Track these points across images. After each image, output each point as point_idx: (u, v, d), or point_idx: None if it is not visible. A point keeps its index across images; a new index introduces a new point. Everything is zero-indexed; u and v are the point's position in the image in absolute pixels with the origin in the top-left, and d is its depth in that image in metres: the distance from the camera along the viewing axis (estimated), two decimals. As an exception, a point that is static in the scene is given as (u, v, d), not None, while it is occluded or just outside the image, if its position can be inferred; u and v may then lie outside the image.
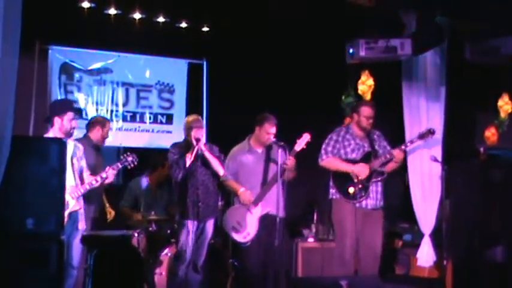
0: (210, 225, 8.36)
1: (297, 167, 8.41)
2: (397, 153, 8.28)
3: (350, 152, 8.23)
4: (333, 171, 8.26)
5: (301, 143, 8.08)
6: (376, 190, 8.23)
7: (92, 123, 8.80)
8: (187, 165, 8.11)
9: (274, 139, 8.25)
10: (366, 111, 8.33)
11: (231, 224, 8.39)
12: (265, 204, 8.24)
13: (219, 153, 8.43)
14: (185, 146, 8.29)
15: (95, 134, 8.66)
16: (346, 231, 8.11)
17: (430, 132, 8.36)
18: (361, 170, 8.09)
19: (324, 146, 8.27)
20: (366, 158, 8.20)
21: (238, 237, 8.31)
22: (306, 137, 8.11)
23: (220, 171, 8.28)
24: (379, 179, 8.24)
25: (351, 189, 8.09)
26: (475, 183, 8.66)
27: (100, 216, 8.78)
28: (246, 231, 8.29)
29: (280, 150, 8.00)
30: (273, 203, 8.02)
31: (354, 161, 8.19)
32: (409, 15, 8.48)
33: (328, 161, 8.24)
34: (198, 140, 8.05)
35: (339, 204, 8.20)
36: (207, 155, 8.16)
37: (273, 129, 8.32)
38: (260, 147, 8.46)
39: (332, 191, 8.30)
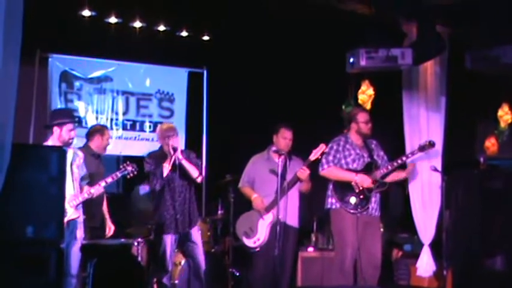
0: (195, 232, 8.29)
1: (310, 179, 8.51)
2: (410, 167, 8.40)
3: (351, 162, 8.21)
4: (333, 180, 8.23)
5: (316, 153, 8.20)
6: (375, 200, 8.22)
7: (91, 132, 8.77)
8: (165, 175, 8.07)
9: (274, 147, 8.33)
10: (363, 116, 8.34)
11: (243, 228, 8.55)
12: (277, 212, 8.28)
13: (196, 159, 8.41)
14: (160, 154, 8.24)
15: (95, 143, 8.63)
16: (347, 241, 8.07)
17: (430, 144, 8.35)
18: (363, 180, 8.06)
19: (324, 156, 8.25)
20: (367, 169, 8.19)
21: (248, 242, 8.47)
22: (321, 147, 8.21)
23: (198, 178, 8.25)
24: (381, 189, 8.23)
25: (353, 199, 8.07)
26: (475, 193, 8.67)
27: (102, 225, 8.77)
28: (256, 236, 8.41)
29: (290, 162, 8.15)
30: (285, 211, 8.10)
31: (355, 171, 8.17)
32: (409, 25, 8.50)
33: (330, 170, 8.21)
34: (175, 150, 7.98)
35: (339, 214, 8.15)
36: (185, 163, 8.05)
37: (289, 134, 8.54)
38: (278, 156, 8.52)
39: (331, 200, 8.23)
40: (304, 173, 8.32)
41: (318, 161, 8.27)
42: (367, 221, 8.13)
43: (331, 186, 8.23)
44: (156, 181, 8.11)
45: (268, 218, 8.45)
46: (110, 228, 8.78)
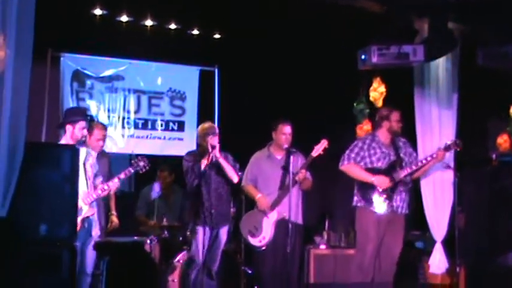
0: (223, 232, 8.34)
1: (312, 176, 8.48)
2: (440, 154, 8.31)
3: (376, 160, 8.20)
4: (354, 178, 8.24)
5: (318, 149, 8.19)
6: (400, 198, 8.21)
7: None
8: (202, 169, 8.12)
9: (286, 145, 8.32)
10: (396, 115, 8.32)
11: (247, 227, 8.50)
12: (281, 210, 8.29)
13: (233, 162, 8.41)
14: (199, 153, 8.29)
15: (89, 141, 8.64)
16: (369, 239, 8.09)
17: (456, 144, 8.35)
18: (381, 182, 8.06)
19: (347, 152, 8.26)
20: (391, 167, 8.17)
21: (254, 241, 8.42)
22: (323, 143, 8.20)
23: (235, 178, 8.28)
24: (404, 189, 8.22)
25: (376, 198, 8.08)
26: (487, 190, 8.65)
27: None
28: (262, 235, 8.39)
29: (293, 157, 8.11)
30: (290, 209, 8.09)
31: (379, 170, 8.15)
32: (421, 21, 8.47)
33: (349, 167, 8.22)
34: (213, 147, 8.04)
35: (363, 212, 8.18)
36: (222, 162, 8.13)
37: (288, 129, 8.49)
38: (280, 153, 8.55)
39: (356, 198, 8.26)
40: (301, 175, 8.33)
41: (321, 158, 8.26)
42: (391, 219, 8.13)
43: (356, 184, 8.25)
44: (194, 177, 8.16)
45: (273, 216, 8.42)
46: (113, 222, 8.78)
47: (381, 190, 8.08)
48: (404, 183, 8.20)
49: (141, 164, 7.80)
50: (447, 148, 8.33)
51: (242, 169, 8.64)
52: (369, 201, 8.12)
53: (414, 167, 8.24)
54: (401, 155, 8.30)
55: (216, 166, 8.16)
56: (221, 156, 8.13)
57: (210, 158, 8.06)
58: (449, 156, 8.78)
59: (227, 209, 8.46)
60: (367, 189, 8.15)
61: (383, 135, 8.33)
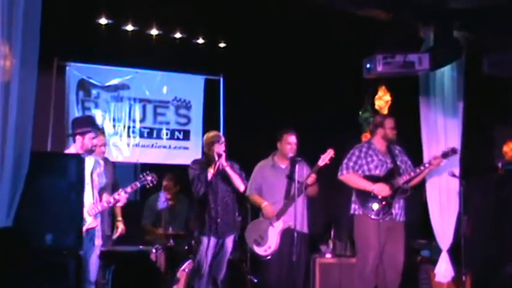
0: (229, 241, 8.33)
1: (317, 183, 8.47)
2: (436, 161, 8.30)
3: (373, 168, 8.18)
4: (353, 187, 8.23)
5: (325, 158, 8.19)
6: (398, 206, 8.19)
7: None
8: (209, 179, 8.11)
9: (291, 154, 8.32)
10: (390, 122, 8.31)
11: (253, 237, 8.48)
12: (287, 219, 8.28)
13: (240, 170, 8.41)
14: (205, 162, 8.30)
15: None
16: (369, 246, 8.05)
17: (453, 151, 8.32)
18: (381, 190, 8.04)
19: (345, 161, 8.24)
20: (390, 175, 8.16)
21: (259, 250, 8.40)
22: (329, 153, 8.20)
23: (241, 187, 8.28)
24: (403, 196, 8.20)
25: (375, 206, 8.06)
26: (493, 198, 8.63)
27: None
28: (267, 244, 8.37)
29: (298, 166, 8.10)
30: (295, 218, 8.06)
31: (377, 178, 8.13)
32: (426, 30, 8.47)
33: (348, 176, 8.20)
34: (219, 156, 8.05)
35: (362, 220, 8.14)
36: (228, 170, 8.14)
37: (293, 139, 8.49)
38: (284, 162, 8.55)
39: (355, 206, 8.21)
40: (311, 179, 8.33)
41: (326, 167, 8.25)
42: (390, 226, 8.09)
43: (354, 192, 8.24)
44: (200, 186, 8.17)
45: (279, 225, 8.40)
46: (118, 228, 8.78)
47: (380, 197, 8.07)
48: (403, 191, 8.18)
49: (149, 178, 7.83)
50: (444, 155, 8.31)
51: (247, 178, 8.64)
52: (368, 209, 8.09)
53: (413, 174, 8.22)
54: (398, 162, 8.29)
55: (222, 175, 8.17)
56: (227, 165, 8.13)
57: (217, 166, 8.06)
58: (455, 165, 8.76)
59: (233, 218, 8.45)
60: (366, 196, 8.11)
61: (378, 142, 8.32)
